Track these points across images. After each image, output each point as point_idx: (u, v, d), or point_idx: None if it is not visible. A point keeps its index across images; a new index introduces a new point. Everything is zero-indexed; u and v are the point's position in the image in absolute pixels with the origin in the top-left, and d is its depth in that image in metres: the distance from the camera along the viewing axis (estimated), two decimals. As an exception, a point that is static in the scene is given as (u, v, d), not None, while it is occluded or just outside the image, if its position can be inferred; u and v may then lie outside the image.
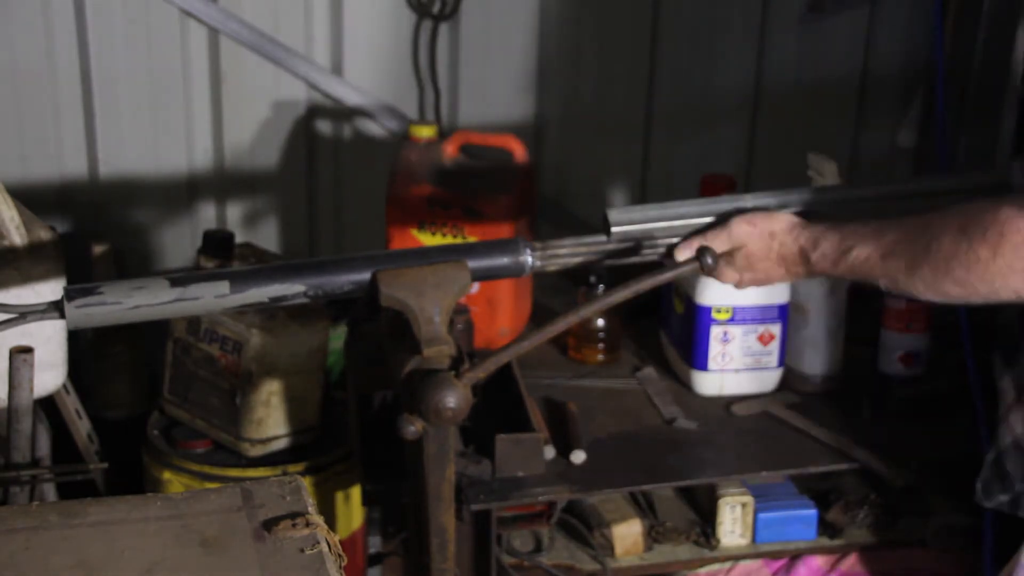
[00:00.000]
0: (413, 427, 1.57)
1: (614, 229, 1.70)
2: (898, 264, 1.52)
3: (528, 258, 1.64)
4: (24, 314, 1.48)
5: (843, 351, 2.21)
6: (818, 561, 2.08)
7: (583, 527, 2.07)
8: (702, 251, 1.64)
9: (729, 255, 1.68)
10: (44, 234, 1.93)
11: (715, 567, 2.09)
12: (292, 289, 1.55)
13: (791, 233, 1.65)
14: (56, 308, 1.48)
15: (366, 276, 1.58)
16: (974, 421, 2.06)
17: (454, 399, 1.54)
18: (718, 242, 1.67)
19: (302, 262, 1.59)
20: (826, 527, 2.10)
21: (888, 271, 1.53)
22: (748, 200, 1.72)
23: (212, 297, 1.53)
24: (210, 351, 2.24)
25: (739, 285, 1.72)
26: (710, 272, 1.64)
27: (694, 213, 1.72)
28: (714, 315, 2.11)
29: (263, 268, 1.57)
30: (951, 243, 1.45)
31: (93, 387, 2.57)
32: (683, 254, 1.68)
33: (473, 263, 1.61)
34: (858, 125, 2.98)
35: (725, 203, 1.73)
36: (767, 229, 1.66)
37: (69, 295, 1.48)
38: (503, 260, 1.64)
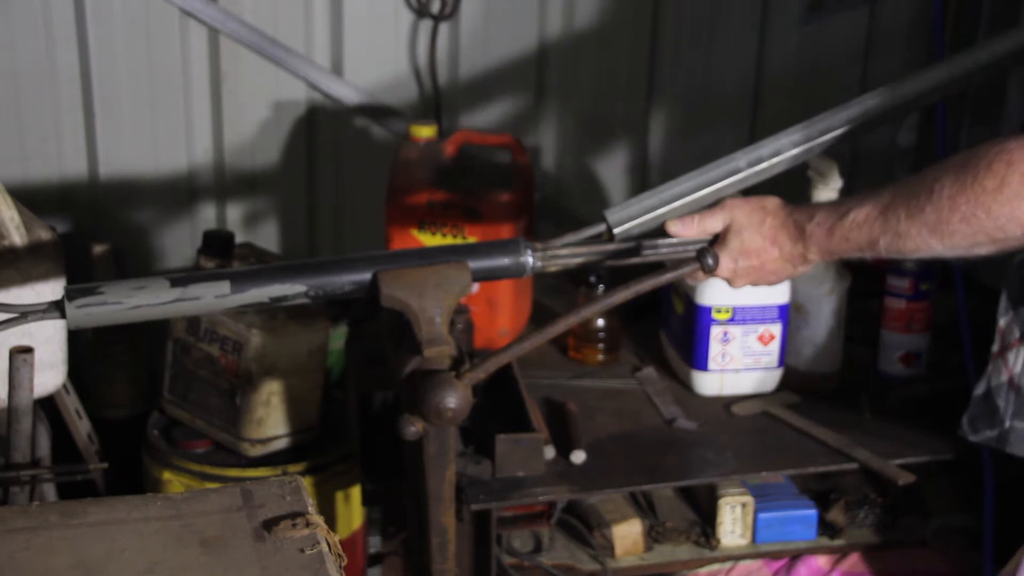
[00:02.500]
0: (414, 427, 1.57)
1: (616, 231, 1.70)
2: (898, 214, 1.49)
3: (529, 259, 1.64)
4: (25, 314, 1.48)
5: (843, 351, 2.21)
6: (818, 561, 2.08)
7: (583, 527, 2.07)
8: (702, 252, 1.63)
9: (724, 239, 1.65)
10: (44, 234, 1.93)
11: (715, 567, 2.09)
12: (293, 289, 1.55)
13: (784, 208, 1.63)
14: (57, 308, 1.48)
15: (367, 276, 1.58)
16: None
17: (455, 399, 1.54)
18: (713, 219, 1.65)
19: (303, 262, 1.59)
20: (826, 527, 2.10)
21: (888, 225, 1.50)
22: (741, 158, 1.71)
23: (213, 297, 1.53)
24: (210, 351, 2.24)
25: (734, 279, 1.66)
26: (711, 272, 1.64)
27: (690, 189, 1.71)
28: (714, 315, 2.11)
29: (264, 268, 1.57)
30: (954, 180, 1.43)
31: (93, 387, 2.57)
32: (676, 227, 1.65)
33: (474, 264, 1.61)
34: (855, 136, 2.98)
35: (717, 167, 1.71)
36: (759, 204, 1.64)
37: (70, 295, 1.48)
38: (504, 261, 1.64)
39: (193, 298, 1.52)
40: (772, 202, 1.64)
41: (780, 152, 1.71)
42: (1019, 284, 1.86)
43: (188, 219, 2.74)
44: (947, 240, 1.46)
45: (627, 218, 1.71)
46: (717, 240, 1.65)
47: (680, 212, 1.70)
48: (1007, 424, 1.84)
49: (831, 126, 1.76)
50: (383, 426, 2.02)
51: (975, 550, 2.05)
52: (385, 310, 1.58)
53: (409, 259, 1.60)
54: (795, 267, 1.64)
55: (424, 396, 1.54)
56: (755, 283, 1.68)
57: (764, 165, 1.75)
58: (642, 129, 2.90)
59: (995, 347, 1.87)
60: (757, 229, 1.63)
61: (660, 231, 1.71)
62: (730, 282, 1.68)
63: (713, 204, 1.69)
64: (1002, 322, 1.86)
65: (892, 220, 1.50)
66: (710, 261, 1.63)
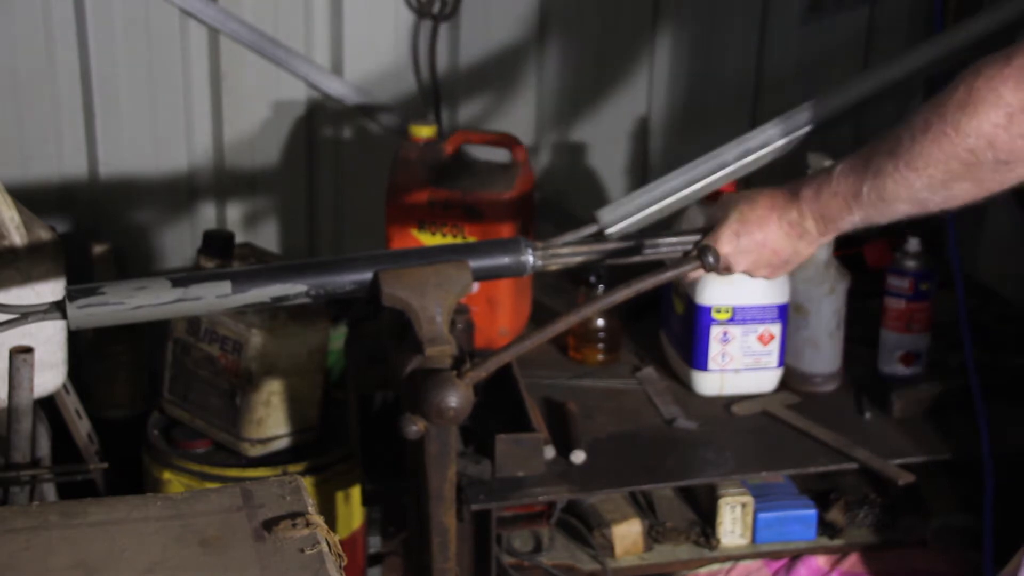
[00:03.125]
0: (415, 427, 1.57)
1: (609, 231, 1.70)
2: (879, 152, 1.47)
3: (529, 258, 1.64)
4: (26, 314, 1.48)
5: (843, 351, 2.21)
6: (818, 561, 2.08)
7: (583, 527, 2.07)
8: (703, 249, 1.63)
9: (724, 216, 1.64)
10: (44, 234, 1.93)
11: (715, 567, 2.09)
12: (294, 289, 1.55)
13: (775, 188, 1.63)
14: (58, 308, 1.48)
15: (368, 276, 1.58)
16: (974, 421, 2.06)
17: (456, 399, 1.54)
18: (713, 208, 1.67)
19: (304, 262, 1.59)
20: (826, 527, 2.10)
21: (870, 167, 1.48)
22: (728, 152, 1.70)
23: (214, 297, 1.53)
24: (210, 351, 2.24)
25: (736, 257, 1.63)
26: (711, 269, 1.64)
27: (680, 185, 1.70)
28: (714, 315, 2.11)
29: (265, 268, 1.57)
30: (928, 105, 1.42)
31: (93, 387, 2.57)
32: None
33: (475, 263, 1.61)
34: (858, 125, 2.98)
35: (705, 162, 1.71)
36: (754, 189, 1.65)
37: (71, 295, 1.48)
38: (504, 260, 1.64)
39: (194, 298, 1.52)
40: (764, 190, 1.65)
41: (768, 143, 1.71)
42: None
43: (188, 219, 2.74)
44: (923, 172, 1.43)
45: (619, 217, 1.71)
46: (717, 224, 1.65)
47: (672, 209, 1.70)
48: None
49: (817, 114, 1.76)
50: (383, 426, 2.02)
51: (975, 550, 2.05)
52: (386, 309, 1.58)
53: (410, 258, 1.60)
54: (794, 243, 1.61)
55: (425, 395, 1.54)
56: (755, 265, 1.65)
57: (752, 157, 1.75)
58: (642, 129, 2.90)
59: None
60: (755, 200, 1.62)
61: (657, 228, 1.71)
62: (732, 265, 1.65)
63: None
64: None
65: (873, 161, 1.48)
66: (711, 259, 1.63)
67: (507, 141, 2.34)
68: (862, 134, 2.96)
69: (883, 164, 1.47)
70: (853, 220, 1.54)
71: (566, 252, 1.67)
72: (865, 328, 2.28)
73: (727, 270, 1.66)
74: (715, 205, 1.70)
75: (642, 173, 2.93)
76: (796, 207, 1.58)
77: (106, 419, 2.52)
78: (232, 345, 2.20)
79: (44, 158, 2.62)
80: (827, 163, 2.10)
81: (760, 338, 2.13)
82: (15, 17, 2.53)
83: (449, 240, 2.24)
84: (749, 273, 1.67)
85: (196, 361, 2.28)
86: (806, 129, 1.73)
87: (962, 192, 1.44)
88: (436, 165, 2.32)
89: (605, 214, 1.71)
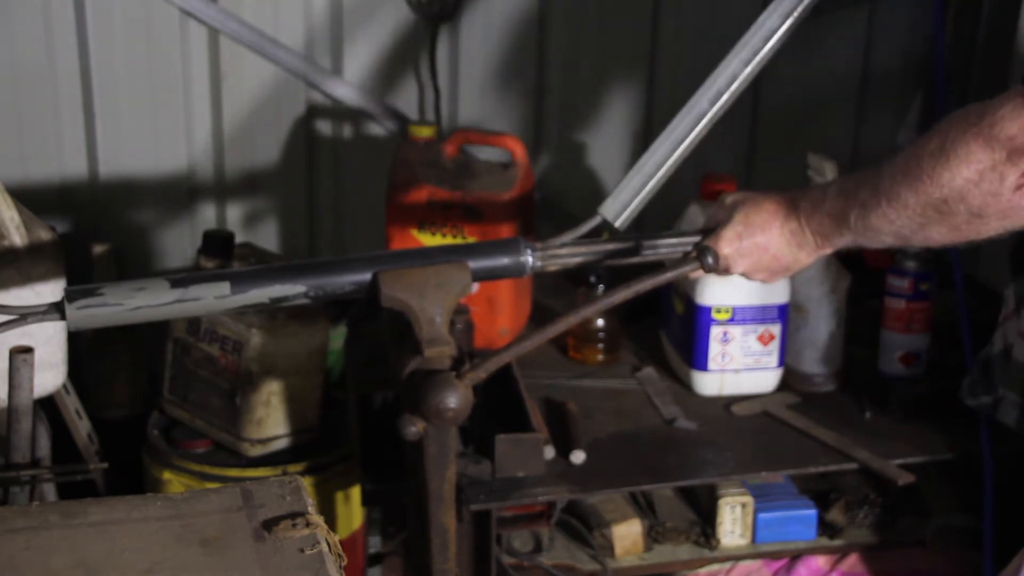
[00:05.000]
0: (414, 427, 1.57)
1: (617, 223, 1.70)
2: (868, 191, 1.49)
3: (529, 258, 1.64)
4: (25, 315, 1.48)
5: (843, 351, 2.21)
6: (818, 561, 2.08)
7: (583, 527, 2.07)
8: (703, 250, 1.63)
9: (729, 216, 1.65)
10: (44, 234, 1.93)
11: (715, 567, 2.09)
12: (293, 290, 1.55)
13: (779, 194, 1.64)
14: (57, 309, 1.48)
15: (367, 277, 1.58)
16: (974, 421, 2.06)
17: (455, 399, 1.54)
18: (718, 208, 1.67)
19: (303, 263, 1.59)
20: (826, 527, 2.10)
21: (858, 196, 1.50)
22: (701, 99, 1.69)
23: (213, 298, 1.53)
24: (210, 351, 2.24)
25: (736, 259, 1.64)
26: (711, 270, 1.64)
27: (667, 151, 1.67)
28: (714, 315, 2.11)
29: (264, 269, 1.57)
30: (910, 147, 1.43)
31: (93, 387, 2.57)
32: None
33: (474, 263, 1.61)
34: (858, 125, 2.98)
35: (683, 118, 1.70)
36: (759, 192, 1.66)
37: (70, 296, 1.48)
38: (504, 260, 1.64)
39: (193, 299, 1.52)
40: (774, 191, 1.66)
41: (736, 77, 1.71)
42: (1018, 254, 1.86)
43: (188, 219, 2.74)
44: (901, 213, 1.44)
45: (622, 207, 1.70)
46: (719, 226, 1.65)
47: (667, 176, 1.70)
48: (999, 391, 1.85)
49: (772, 28, 1.76)
50: (383, 426, 2.02)
51: (975, 550, 2.05)
52: (385, 310, 1.58)
53: (409, 259, 1.60)
54: (795, 252, 1.63)
55: (425, 396, 1.54)
56: (754, 268, 1.66)
57: (726, 96, 1.73)
58: (642, 129, 2.90)
59: (1001, 315, 1.88)
60: (760, 204, 1.63)
61: (660, 228, 1.71)
62: (731, 266, 1.65)
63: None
64: (1007, 291, 1.87)
65: (861, 191, 1.50)
66: (710, 259, 1.63)
67: (507, 141, 2.34)
68: (859, 146, 2.97)
69: (868, 198, 1.49)
70: (845, 240, 1.57)
71: (565, 253, 1.67)
72: (865, 328, 2.28)
73: (726, 271, 1.66)
74: (716, 205, 1.70)
75: (642, 173, 2.93)
76: (796, 218, 1.61)
77: (106, 419, 2.52)
78: (232, 345, 2.20)
79: (44, 158, 2.62)
80: (826, 164, 2.12)
81: (760, 338, 2.13)
82: (15, 17, 2.53)
83: (449, 240, 2.24)
84: (747, 276, 1.67)
85: (196, 361, 2.28)
86: (769, 46, 1.73)
87: (939, 235, 1.46)
88: (436, 165, 2.32)
89: (607, 208, 1.71)
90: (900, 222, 1.46)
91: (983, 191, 1.36)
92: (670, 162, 1.69)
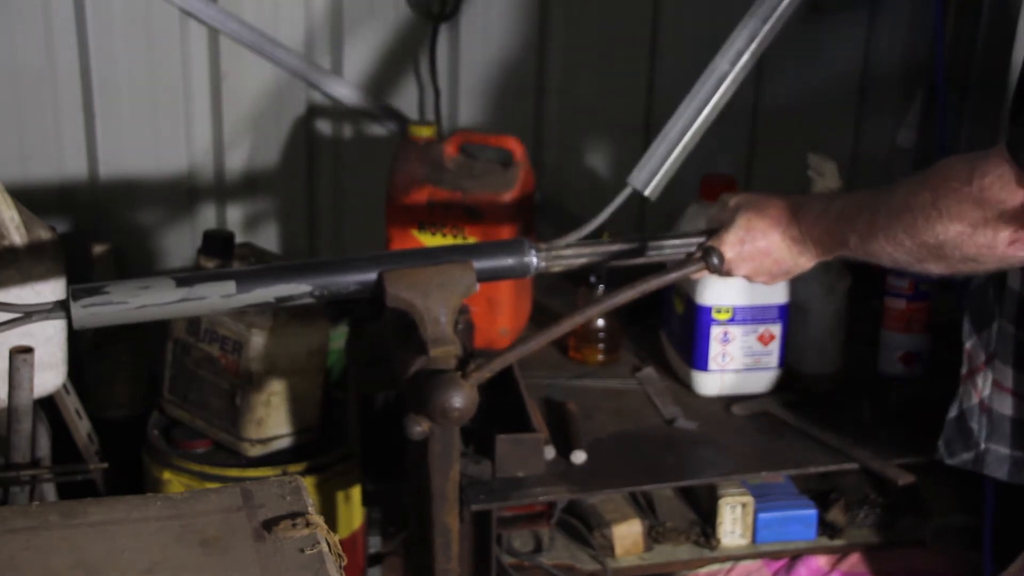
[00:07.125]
0: (419, 427, 1.57)
1: (647, 191, 1.70)
2: (866, 214, 1.50)
3: (533, 259, 1.64)
4: (29, 314, 1.48)
5: (843, 351, 2.21)
6: (818, 561, 2.08)
7: (583, 527, 2.07)
8: (708, 251, 1.64)
9: (731, 219, 1.66)
10: (44, 234, 1.93)
11: (715, 567, 2.09)
12: (298, 289, 1.55)
13: (781, 199, 1.65)
14: (62, 308, 1.48)
15: (372, 276, 1.58)
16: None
17: (461, 399, 1.54)
18: (721, 210, 1.68)
19: (308, 262, 1.59)
20: (826, 527, 2.10)
21: (858, 224, 1.51)
22: (720, 62, 1.69)
23: (218, 297, 1.52)
24: (210, 351, 2.24)
25: (737, 263, 1.65)
26: (715, 270, 1.64)
27: (691, 116, 1.69)
28: (714, 315, 2.11)
29: (269, 268, 1.57)
30: (907, 190, 1.44)
31: (93, 387, 2.56)
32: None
33: (479, 264, 1.61)
34: (858, 125, 2.97)
35: (704, 82, 1.70)
36: (763, 194, 1.67)
37: (75, 295, 1.47)
38: (508, 261, 1.64)
39: (199, 298, 1.52)
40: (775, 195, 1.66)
41: (755, 36, 1.70)
42: (979, 308, 1.87)
43: (188, 219, 2.74)
44: (898, 249, 1.46)
45: (650, 175, 1.70)
46: (722, 228, 1.66)
47: (694, 142, 1.69)
48: (982, 446, 1.85)
49: None
50: (383, 426, 2.02)
51: (975, 550, 2.05)
52: (390, 310, 1.58)
53: (414, 259, 1.60)
54: (796, 257, 1.64)
55: (430, 396, 1.54)
56: (755, 271, 1.67)
57: (746, 56, 1.73)
58: (642, 129, 2.90)
59: (964, 369, 1.88)
60: (763, 209, 1.64)
61: (660, 228, 1.71)
62: (732, 269, 1.66)
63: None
64: (968, 345, 1.88)
65: (862, 216, 1.51)
66: (715, 260, 1.63)
67: (507, 141, 2.34)
68: (859, 146, 2.97)
69: (867, 227, 1.50)
70: (845, 255, 1.59)
71: (570, 253, 1.68)
72: (865, 328, 2.28)
73: (728, 273, 1.67)
74: (717, 205, 1.70)
75: (642, 173, 2.93)
76: (798, 226, 1.62)
77: (106, 419, 2.52)
78: (232, 345, 2.20)
79: (44, 158, 2.62)
80: (827, 164, 2.12)
81: (760, 338, 2.13)
82: (15, 17, 2.52)
83: (449, 241, 2.24)
84: (749, 278, 1.69)
85: (196, 361, 2.28)
86: (784, 3, 1.72)
87: (936, 270, 1.47)
88: (436, 166, 2.32)
89: (636, 178, 1.70)
90: (897, 255, 1.47)
91: (978, 243, 1.38)
92: (695, 127, 1.69)
